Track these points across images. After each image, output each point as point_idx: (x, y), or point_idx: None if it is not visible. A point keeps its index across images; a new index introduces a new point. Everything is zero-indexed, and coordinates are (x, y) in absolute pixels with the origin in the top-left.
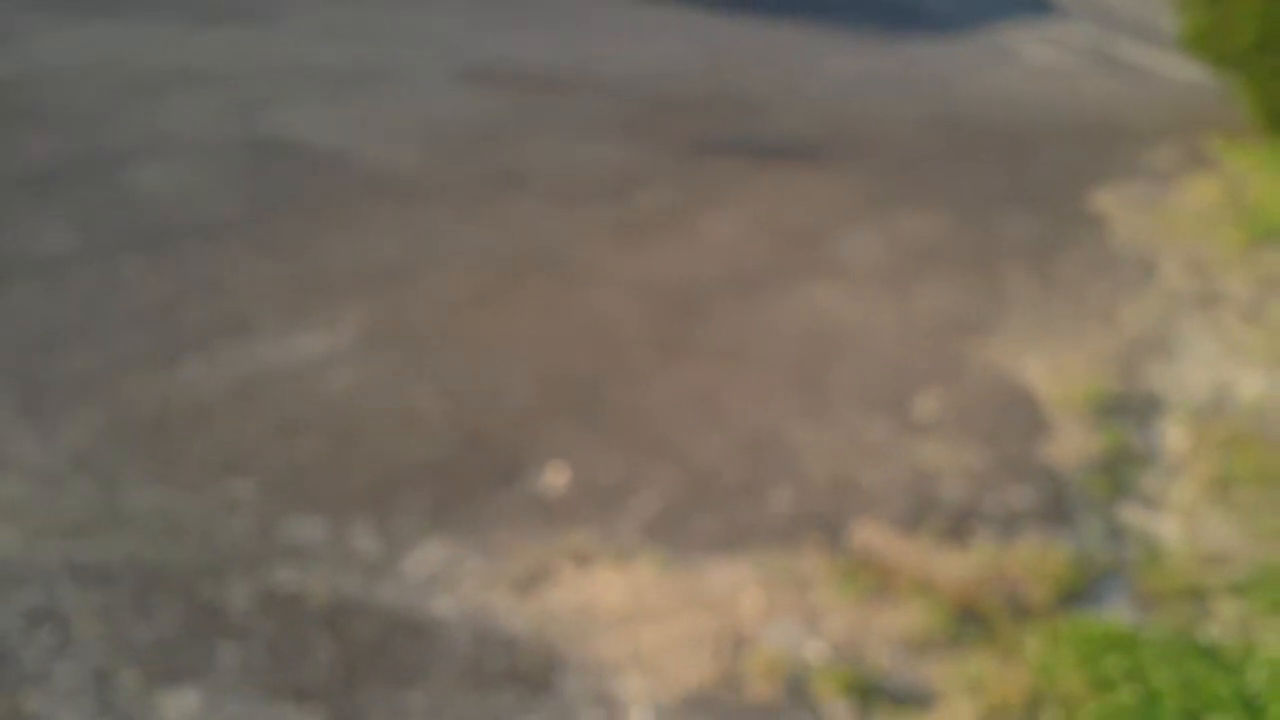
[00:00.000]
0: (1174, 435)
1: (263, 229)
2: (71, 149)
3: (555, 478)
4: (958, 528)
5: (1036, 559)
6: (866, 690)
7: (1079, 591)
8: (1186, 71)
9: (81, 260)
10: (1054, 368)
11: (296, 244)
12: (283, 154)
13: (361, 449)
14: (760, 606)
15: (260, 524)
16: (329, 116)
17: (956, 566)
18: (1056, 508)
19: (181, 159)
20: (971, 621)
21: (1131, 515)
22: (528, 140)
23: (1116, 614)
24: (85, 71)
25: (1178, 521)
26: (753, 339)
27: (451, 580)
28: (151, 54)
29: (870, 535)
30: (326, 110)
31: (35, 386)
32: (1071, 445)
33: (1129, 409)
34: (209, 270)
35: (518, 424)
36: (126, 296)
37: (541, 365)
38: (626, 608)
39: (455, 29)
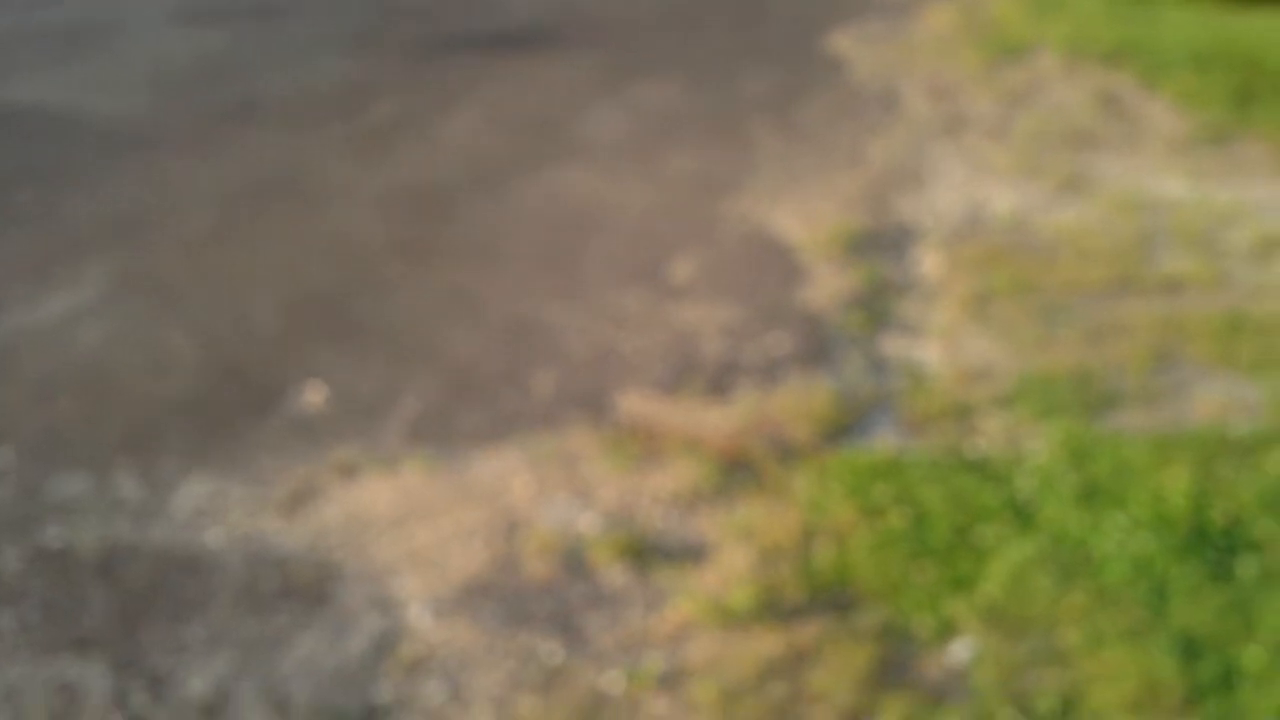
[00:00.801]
0: (929, 261)
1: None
2: None
3: (313, 396)
4: (720, 383)
5: (799, 402)
6: (641, 552)
7: (846, 426)
8: None
9: None
10: (806, 215)
11: (36, 208)
12: (13, 122)
13: (118, 399)
14: (531, 490)
15: (23, 488)
16: (57, 77)
17: (721, 421)
18: (816, 349)
19: None
20: (739, 471)
21: (892, 345)
22: (255, 68)
23: (883, 443)
24: None
25: (938, 344)
26: (503, 232)
27: (219, 512)
28: None
29: (634, 403)
30: (54, 70)
31: None
32: (827, 287)
33: (883, 243)
34: None
35: (271, 351)
36: None
37: (289, 290)
38: (397, 512)
39: None
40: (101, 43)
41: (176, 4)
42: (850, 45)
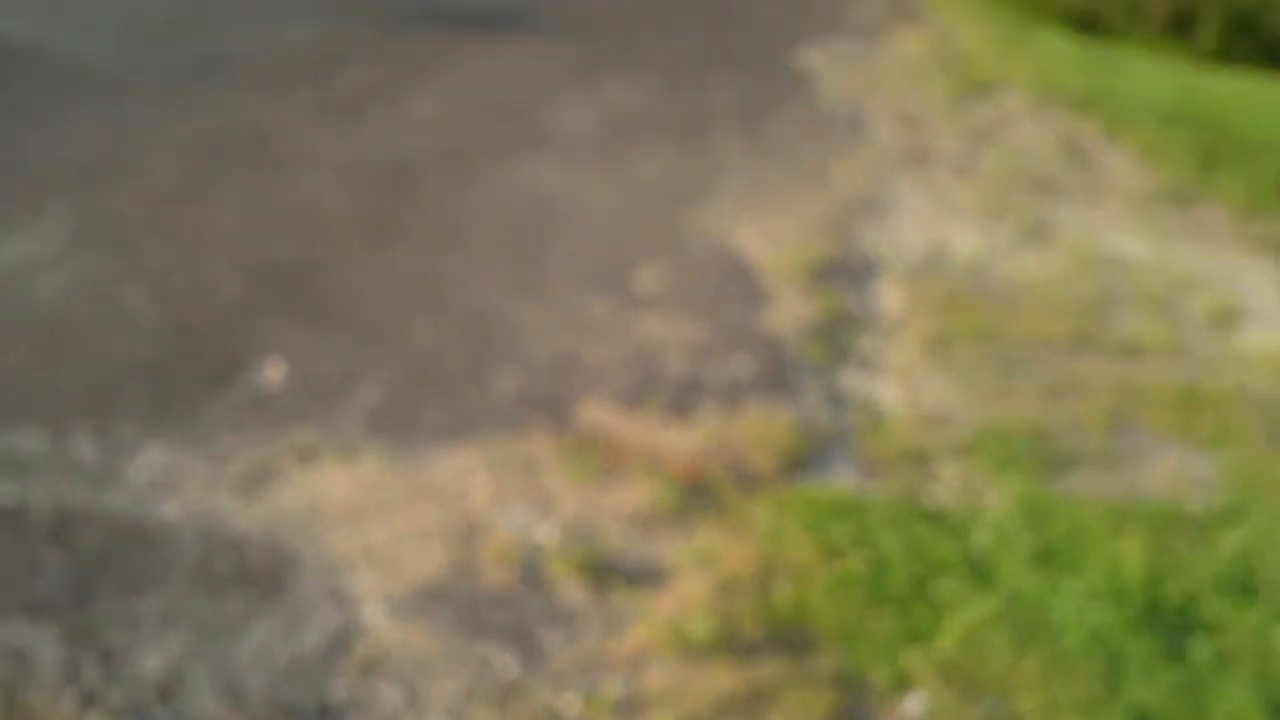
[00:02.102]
0: (890, 296)
1: None
2: None
3: (272, 373)
4: (681, 401)
5: (760, 429)
6: (599, 570)
7: (804, 459)
8: None
9: None
10: (769, 234)
11: None
12: None
13: (75, 355)
14: (490, 493)
15: None
16: (24, 7)
17: (682, 440)
18: (778, 375)
19: None
20: (699, 495)
21: (851, 379)
22: (225, 24)
23: (841, 480)
24: None
25: (897, 383)
26: (467, 218)
27: (175, 484)
28: None
29: (596, 414)
30: (22, 5)
31: None
32: (789, 312)
33: (845, 272)
34: None
35: (231, 319)
36: None
37: (252, 257)
38: (354, 503)
39: None
40: None
41: None
42: (820, 62)
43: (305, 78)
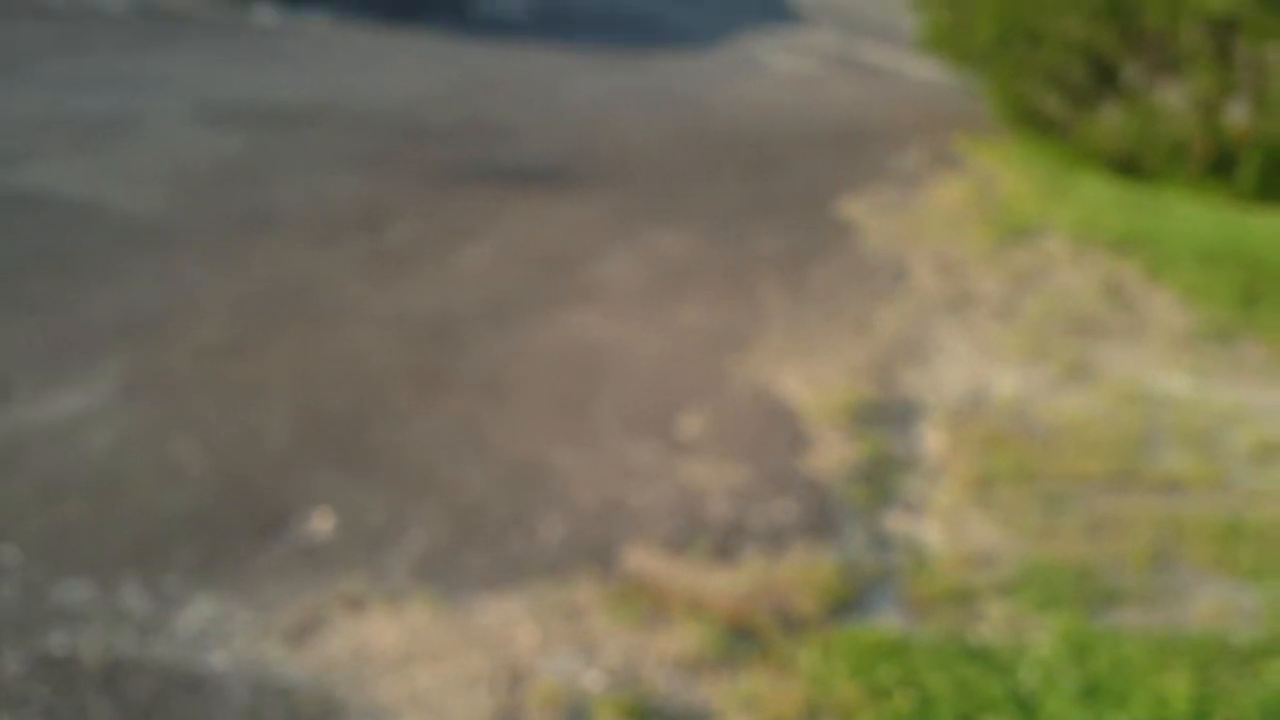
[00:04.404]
0: (933, 439)
1: (13, 285)
2: None
3: (320, 523)
4: (726, 545)
5: (804, 572)
6: (645, 715)
7: (848, 601)
8: (929, 72)
9: None
10: (812, 379)
11: (49, 299)
12: (32, 208)
13: (125, 507)
14: (536, 640)
15: (27, 589)
16: (78, 167)
17: (727, 584)
18: (821, 519)
19: None
20: (744, 638)
21: (895, 522)
22: (274, 178)
23: (887, 622)
24: None
25: (941, 525)
26: (512, 368)
27: (224, 634)
28: None
29: (641, 559)
30: (75, 160)
31: None
32: (832, 456)
33: (887, 415)
34: None
35: (280, 471)
36: None
37: (300, 408)
38: (402, 650)
39: (200, 69)
40: (128, 137)
41: (210, 105)
42: (861, 212)
43: (352, 232)
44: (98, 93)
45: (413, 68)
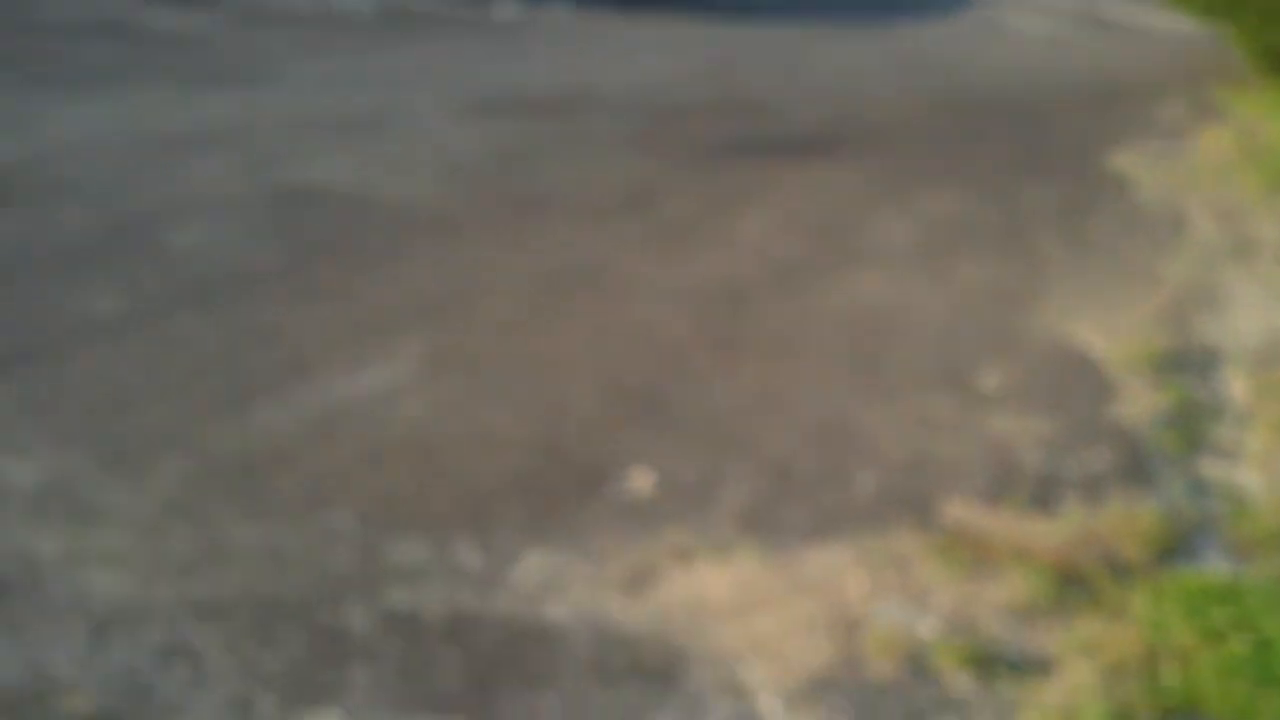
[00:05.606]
0: (1237, 385)
1: (304, 275)
2: (102, 217)
3: (639, 481)
4: (1043, 495)
5: (1125, 519)
6: (985, 661)
7: (1173, 547)
8: (1177, 25)
9: (135, 321)
10: (1106, 329)
11: (339, 286)
12: (309, 203)
13: (447, 470)
14: (865, 587)
15: (364, 551)
16: (345, 162)
17: (1048, 533)
18: (1136, 467)
19: (211, 216)
20: (1074, 585)
21: (1210, 467)
22: (542, 163)
23: (1214, 566)
24: (101, 143)
25: (1257, 470)
26: (802, 331)
27: (561, 586)
28: (158, 120)
29: (958, 510)
30: (342, 156)
31: (116, 443)
32: (1139, 404)
33: (1188, 363)
34: (260, 319)
35: (591, 434)
36: (186, 351)
37: (602, 377)
38: (735, 599)
39: (451, 64)
40: (389, 131)
41: (466, 98)
42: (1130, 164)
43: (630, 210)
44: (355, 91)
45: (660, 50)
